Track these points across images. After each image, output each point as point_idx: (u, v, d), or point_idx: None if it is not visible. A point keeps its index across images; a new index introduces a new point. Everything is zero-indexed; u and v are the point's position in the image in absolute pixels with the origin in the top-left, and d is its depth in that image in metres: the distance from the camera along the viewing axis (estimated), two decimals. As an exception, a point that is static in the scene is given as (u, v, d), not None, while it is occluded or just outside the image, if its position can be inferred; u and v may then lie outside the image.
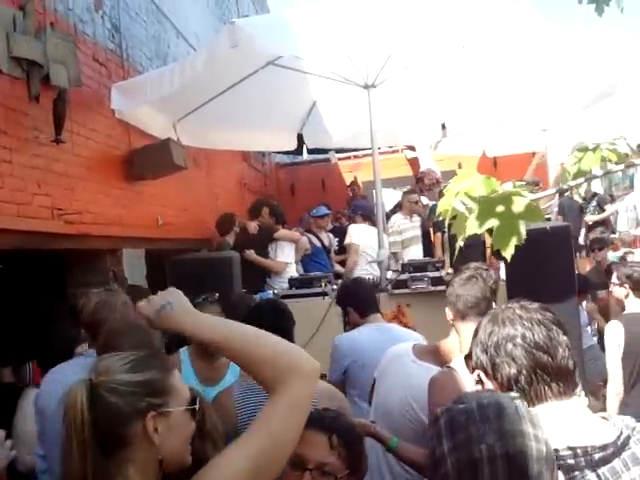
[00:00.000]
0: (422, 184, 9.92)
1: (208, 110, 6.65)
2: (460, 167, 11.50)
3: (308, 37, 5.12)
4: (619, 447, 1.62)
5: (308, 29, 5.16)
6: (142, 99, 5.83)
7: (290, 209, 10.56)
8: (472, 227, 1.41)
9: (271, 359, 1.60)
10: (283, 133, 8.13)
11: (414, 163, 12.04)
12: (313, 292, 6.20)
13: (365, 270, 7.62)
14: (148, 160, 6.45)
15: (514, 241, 1.41)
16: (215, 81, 6.26)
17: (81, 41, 5.72)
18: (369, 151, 7.14)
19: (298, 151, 9.34)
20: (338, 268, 8.33)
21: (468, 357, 1.95)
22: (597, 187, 10.66)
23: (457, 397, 1.70)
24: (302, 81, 7.07)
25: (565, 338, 1.75)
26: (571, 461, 1.56)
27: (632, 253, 9.01)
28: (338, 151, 11.90)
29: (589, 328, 6.69)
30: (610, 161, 1.50)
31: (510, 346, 1.74)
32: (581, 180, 1.51)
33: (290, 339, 3.20)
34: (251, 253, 7.56)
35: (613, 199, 10.94)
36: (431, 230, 8.71)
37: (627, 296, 5.00)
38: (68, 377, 2.85)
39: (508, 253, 1.46)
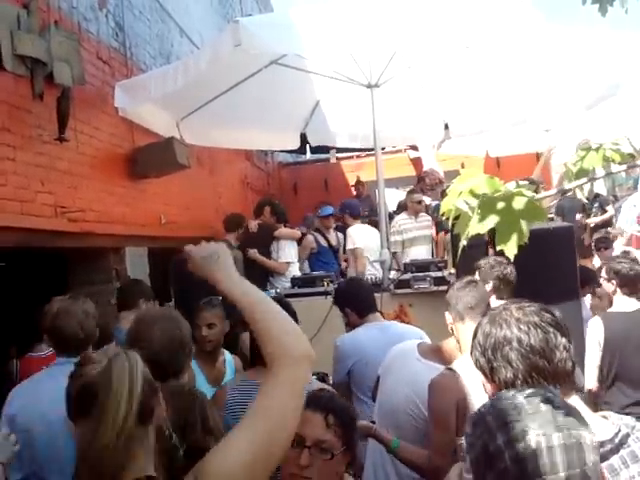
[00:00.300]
0: (424, 184, 9.92)
1: (211, 109, 6.66)
2: (463, 167, 11.52)
3: (312, 36, 5.12)
4: (617, 444, 1.63)
5: (312, 28, 5.16)
6: (145, 97, 5.84)
7: (293, 208, 10.57)
8: (475, 227, 1.42)
9: (276, 337, 1.67)
10: (286, 132, 8.13)
11: (417, 163, 12.05)
12: (316, 291, 6.20)
13: (367, 270, 7.65)
14: (151, 158, 6.46)
15: (516, 240, 1.41)
16: (218, 80, 6.27)
17: (85, 39, 5.73)
18: (372, 151, 7.13)
19: (301, 150, 9.35)
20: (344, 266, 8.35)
21: None
22: (600, 188, 10.62)
23: (492, 395, 1.73)
24: (305, 80, 7.07)
25: (563, 340, 1.74)
26: None
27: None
28: (341, 151, 11.91)
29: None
30: (613, 161, 1.50)
31: (506, 350, 1.74)
32: (584, 180, 1.51)
33: None
34: (254, 252, 7.57)
35: (616, 199, 10.89)
36: (434, 230, 8.72)
37: (614, 292, 4.89)
38: (48, 391, 2.86)
39: (511, 252, 1.46)
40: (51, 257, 6.04)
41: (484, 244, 5.05)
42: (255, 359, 3.19)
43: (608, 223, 10.18)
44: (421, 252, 8.00)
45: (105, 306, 6.05)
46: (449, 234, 8.72)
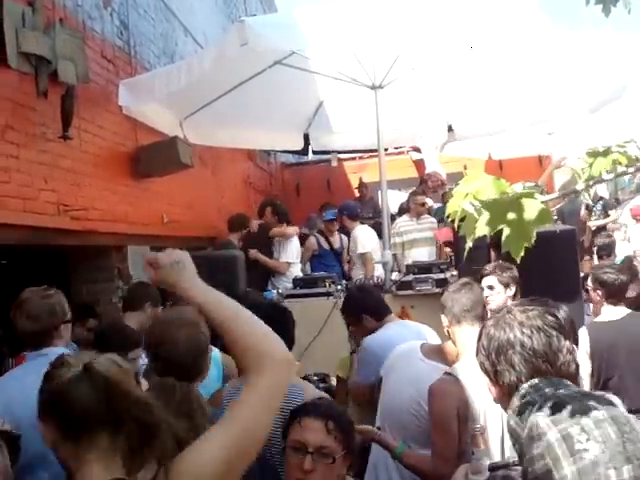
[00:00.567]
0: (426, 186, 9.91)
1: (215, 108, 6.66)
2: (466, 169, 11.51)
3: (316, 37, 5.12)
4: None
5: (316, 29, 5.16)
6: (149, 96, 5.85)
7: (295, 209, 10.56)
8: (482, 228, 1.41)
9: (254, 344, 1.65)
10: (289, 132, 8.14)
11: (420, 165, 12.02)
12: (317, 292, 6.20)
13: (361, 275, 7.68)
14: (155, 158, 6.47)
15: (524, 244, 1.40)
16: (222, 80, 6.27)
17: (89, 38, 5.73)
18: (374, 152, 7.12)
19: (304, 151, 9.34)
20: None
21: None
22: (603, 190, 10.64)
23: (497, 398, 1.74)
24: (309, 81, 7.07)
25: (567, 343, 1.74)
26: None
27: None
28: (343, 152, 11.90)
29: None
30: (620, 164, 1.49)
31: (509, 353, 1.74)
32: (590, 183, 1.50)
33: (291, 340, 3.21)
34: (255, 252, 7.57)
35: (619, 203, 10.91)
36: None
37: (600, 302, 4.76)
38: (19, 388, 2.85)
39: (518, 254, 1.45)
40: (53, 255, 6.04)
41: (486, 246, 5.04)
42: None
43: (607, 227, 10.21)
44: (422, 254, 7.98)
45: (106, 305, 6.06)
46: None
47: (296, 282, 6.61)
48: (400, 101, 7.20)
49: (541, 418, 1.38)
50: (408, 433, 3.10)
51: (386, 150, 7.58)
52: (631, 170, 1.54)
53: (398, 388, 3.29)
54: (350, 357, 4.46)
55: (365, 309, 4.21)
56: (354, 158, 12.66)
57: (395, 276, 6.59)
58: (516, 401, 1.48)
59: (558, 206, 9.35)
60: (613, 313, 4.68)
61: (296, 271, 7.78)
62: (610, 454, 1.28)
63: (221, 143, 7.94)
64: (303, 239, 8.46)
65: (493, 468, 1.76)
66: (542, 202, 1.37)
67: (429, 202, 9.54)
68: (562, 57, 5.84)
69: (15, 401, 2.85)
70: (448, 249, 7.51)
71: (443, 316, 3.19)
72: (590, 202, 10.37)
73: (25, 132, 4.74)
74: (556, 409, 1.39)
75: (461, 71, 6.70)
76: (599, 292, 4.73)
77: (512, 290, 4.64)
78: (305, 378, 4.57)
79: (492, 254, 5.54)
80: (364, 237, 7.94)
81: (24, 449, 2.52)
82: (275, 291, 6.80)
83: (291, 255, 7.88)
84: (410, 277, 6.16)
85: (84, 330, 5.29)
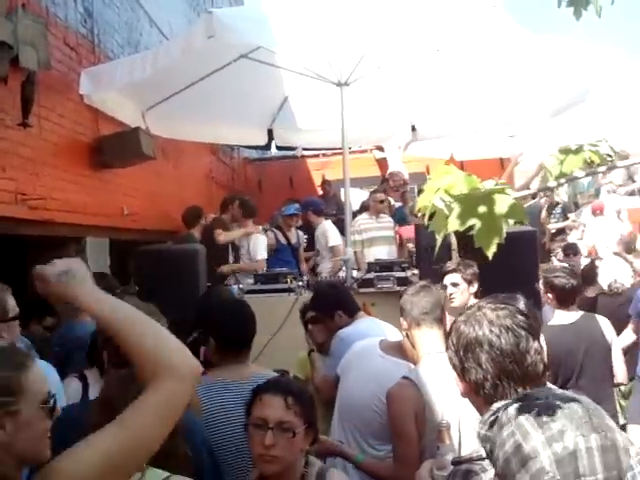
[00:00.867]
0: (388, 185, 9.97)
1: (178, 100, 6.58)
2: (428, 170, 11.60)
3: (284, 31, 5.08)
4: None
5: (284, 23, 5.12)
6: (112, 85, 5.76)
7: (257, 205, 10.48)
8: (454, 224, 1.41)
9: (152, 354, 1.60)
10: (253, 128, 8.08)
11: (382, 163, 12.09)
12: (278, 288, 6.17)
13: (328, 268, 7.68)
14: (116, 148, 6.38)
15: (496, 240, 1.41)
16: (186, 72, 6.19)
17: (52, 24, 5.62)
18: (338, 150, 7.12)
19: (267, 146, 9.30)
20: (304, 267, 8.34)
21: None
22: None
23: (463, 393, 1.74)
24: (275, 76, 7.03)
25: (535, 344, 1.76)
26: None
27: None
28: (307, 148, 11.89)
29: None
30: (592, 163, 1.51)
31: (477, 351, 1.75)
32: (561, 181, 1.52)
33: (250, 335, 3.24)
34: (228, 268, 7.55)
35: (577, 207, 11.11)
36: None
37: (550, 304, 4.83)
38: None
39: (490, 252, 1.45)
40: (10, 245, 5.91)
41: (447, 246, 5.08)
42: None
43: (567, 230, 10.40)
44: (382, 252, 8.01)
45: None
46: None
47: (257, 278, 6.57)
48: (365, 100, 7.21)
49: (511, 407, 1.40)
50: (369, 430, 3.10)
51: (350, 148, 7.58)
52: (602, 169, 1.56)
53: (358, 385, 3.28)
54: (309, 357, 4.44)
55: (339, 305, 4.20)
56: (317, 155, 12.65)
57: (355, 274, 6.60)
58: (486, 415, 1.49)
59: (527, 204, 9.50)
60: (566, 317, 4.75)
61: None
62: (577, 424, 1.30)
63: (184, 136, 7.84)
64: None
65: (457, 462, 1.77)
66: (516, 199, 1.38)
67: (391, 201, 9.61)
68: (526, 61, 5.91)
69: None
70: (411, 245, 7.59)
71: (402, 319, 3.20)
72: (561, 200, 10.59)
73: (-17, 118, 4.64)
74: (521, 399, 1.42)
75: (426, 72, 6.73)
76: (550, 295, 4.80)
77: (475, 287, 4.69)
78: (265, 375, 4.57)
79: (453, 254, 5.60)
80: (333, 231, 7.94)
81: None
82: (236, 287, 6.74)
83: (262, 252, 7.84)
84: (372, 275, 6.18)
85: (40, 327, 5.20)
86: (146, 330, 1.65)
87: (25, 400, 1.56)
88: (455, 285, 4.62)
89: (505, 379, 1.71)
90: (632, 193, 11.62)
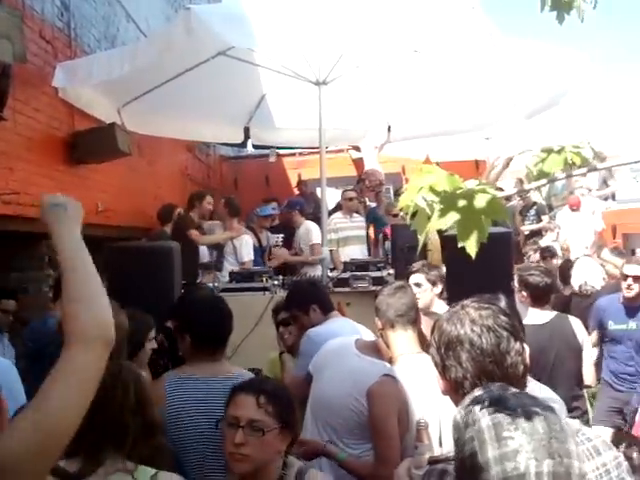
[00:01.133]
0: (363, 185, 9.99)
1: (155, 97, 6.52)
2: (404, 170, 11.64)
3: (263, 29, 5.07)
4: None
5: (263, 21, 5.11)
6: (87, 80, 5.70)
7: (233, 203, 10.45)
8: (436, 223, 1.42)
9: (77, 311, 1.54)
10: (230, 125, 8.04)
11: (359, 163, 12.10)
12: (254, 287, 6.16)
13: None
14: (92, 144, 6.32)
15: (477, 237, 1.42)
16: (164, 68, 6.14)
17: (28, 17, 5.56)
18: (314, 149, 7.12)
19: (243, 144, 9.27)
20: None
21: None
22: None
23: (444, 391, 1.76)
24: (252, 74, 7.01)
25: (516, 345, 1.76)
26: None
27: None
28: (282, 147, 11.86)
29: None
30: (574, 164, 1.53)
31: (458, 350, 1.76)
32: (543, 182, 1.53)
33: (227, 336, 3.25)
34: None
35: (551, 209, 11.23)
36: (371, 231, 8.80)
37: (523, 303, 4.84)
38: None
39: (472, 250, 1.46)
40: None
41: (423, 246, 5.11)
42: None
43: (540, 232, 10.50)
44: (355, 252, 8.06)
45: (36, 294, 5.89)
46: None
47: (232, 276, 6.55)
48: (343, 99, 7.22)
49: (478, 407, 1.41)
50: (344, 428, 3.08)
51: (326, 148, 7.59)
52: (583, 170, 1.58)
53: (334, 383, 3.24)
54: (280, 358, 4.43)
55: (315, 300, 4.19)
56: (294, 154, 12.64)
57: (330, 273, 6.62)
58: (466, 399, 1.50)
59: (509, 204, 9.57)
60: (539, 316, 4.79)
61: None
62: (534, 446, 1.30)
63: (160, 132, 7.78)
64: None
65: (433, 462, 1.78)
66: (498, 198, 1.39)
67: (366, 201, 9.64)
68: (502, 63, 5.95)
69: None
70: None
71: (377, 319, 3.21)
72: (539, 200, 10.69)
73: (-44, 111, 4.57)
74: (494, 402, 1.42)
75: (404, 72, 6.75)
76: (524, 293, 4.83)
77: (439, 288, 4.71)
78: (239, 373, 4.56)
79: (428, 254, 5.63)
80: (316, 230, 7.94)
81: None
82: (211, 284, 6.71)
83: (249, 252, 7.82)
84: (347, 274, 6.20)
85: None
86: (90, 291, 1.59)
87: None
88: (418, 285, 4.63)
89: (485, 379, 1.71)
90: (606, 198, 11.81)
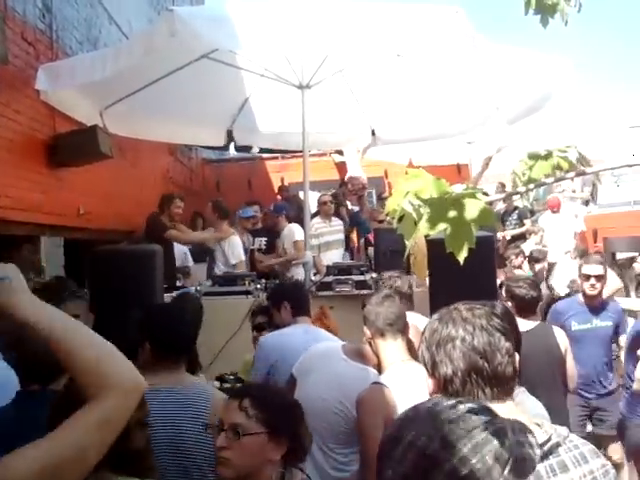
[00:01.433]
0: (346, 188, 10.00)
1: (137, 99, 6.49)
2: (386, 175, 11.67)
3: (246, 32, 5.05)
4: (545, 452, 1.65)
5: (246, 24, 5.09)
6: (70, 83, 5.65)
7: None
8: (424, 229, 1.42)
9: (94, 367, 1.52)
10: (212, 128, 8.03)
11: (341, 167, 12.11)
12: (236, 290, 6.14)
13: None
14: (73, 146, 6.27)
15: (467, 244, 1.42)
16: (146, 70, 6.11)
17: (10, 18, 5.51)
18: (297, 152, 7.11)
19: (225, 147, 9.23)
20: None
21: None
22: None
23: (432, 391, 1.75)
24: (236, 77, 7.00)
25: (507, 344, 1.76)
26: None
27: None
28: (265, 150, 11.83)
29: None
30: (561, 169, 1.54)
31: (449, 346, 1.76)
32: (530, 186, 1.53)
33: (188, 345, 3.20)
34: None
35: (533, 214, 11.31)
36: (354, 235, 8.80)
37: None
38: None
39: (461, 256, 1.46)
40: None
41: (403, 251, 5.11)
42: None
43: (523, 236, 10.58)
44: (335, 256, 8.06)
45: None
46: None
47: (215, 279, 6.52)
48: (326, 103, 7.22)
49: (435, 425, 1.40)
50: (330, 433, 3.08)
51: (310, 151, 7.58)
52: (571, 175, 1.58)
53: (320, 388, 3.24)
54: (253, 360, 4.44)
55: (288, 297, 4.23)
56: (276, 157, 12.62)
57: (314, 278, 6.62)
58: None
59: (497, 208, 9.61)
60: (523, 324, 4.80)
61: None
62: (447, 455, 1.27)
63: (142, 135, 7.73)
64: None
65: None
66: (487, 203, 1.39)
67: (348, 205, 9.66)
68: (485, 68, 5.98)
69: None
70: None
71: (365, 328, 3.21)
72: (527, 204, 10.76)
73: (-64, 112, 4.52)
74: (462, 419, 1.39)
75: (387, 77, 6.78)
76: (509, 304, 4.82)
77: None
78: (221, 377, 4.53)
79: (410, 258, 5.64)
80: (299, 229, 7.91)
81: None
82: (193, 288, 6.67)
83: (240, 253, 7.77)
84: (330, 278, 6.20)
85: None
86: (88, 341, 1.56)
87: None
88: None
89: (474, 376, 1.71)
90: (586, 202, 11.94)
